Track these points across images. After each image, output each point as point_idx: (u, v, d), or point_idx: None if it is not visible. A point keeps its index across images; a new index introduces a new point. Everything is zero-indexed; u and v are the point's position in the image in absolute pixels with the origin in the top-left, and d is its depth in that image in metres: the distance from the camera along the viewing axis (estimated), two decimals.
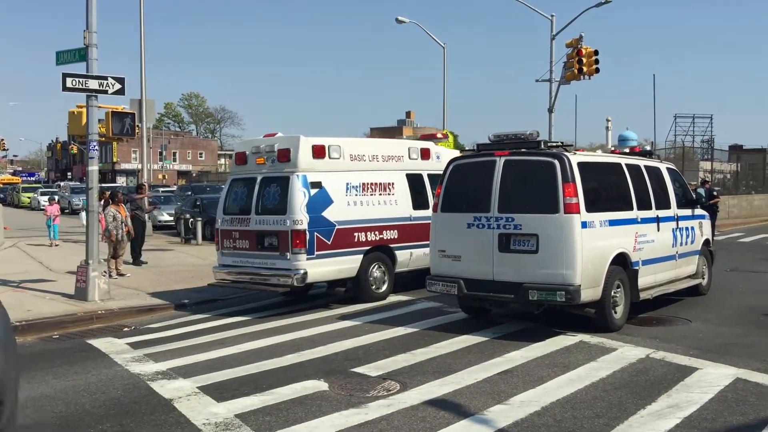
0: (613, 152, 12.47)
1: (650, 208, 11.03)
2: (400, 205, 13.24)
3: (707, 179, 27.01)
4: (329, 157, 12.26)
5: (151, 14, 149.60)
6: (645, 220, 10.78)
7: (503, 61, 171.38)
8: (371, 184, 12.82)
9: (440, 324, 10.43)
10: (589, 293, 9.24)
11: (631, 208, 10.48)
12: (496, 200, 9.73)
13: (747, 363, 7.90)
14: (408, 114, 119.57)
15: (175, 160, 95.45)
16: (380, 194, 12.97)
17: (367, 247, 12.51)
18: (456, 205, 10.24)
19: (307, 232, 11.59)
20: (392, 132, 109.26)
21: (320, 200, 11.88)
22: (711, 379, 7.27)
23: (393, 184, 13.20)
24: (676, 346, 8.78)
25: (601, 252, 9.47)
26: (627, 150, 12.75)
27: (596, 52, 24.47)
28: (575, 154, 9.82)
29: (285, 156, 11.95)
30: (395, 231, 13.04)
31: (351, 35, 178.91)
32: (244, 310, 12.39)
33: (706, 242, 13.24)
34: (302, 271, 11.54)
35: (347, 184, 12.39)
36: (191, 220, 23.86)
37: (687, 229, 12.30)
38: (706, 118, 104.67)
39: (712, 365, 7.78)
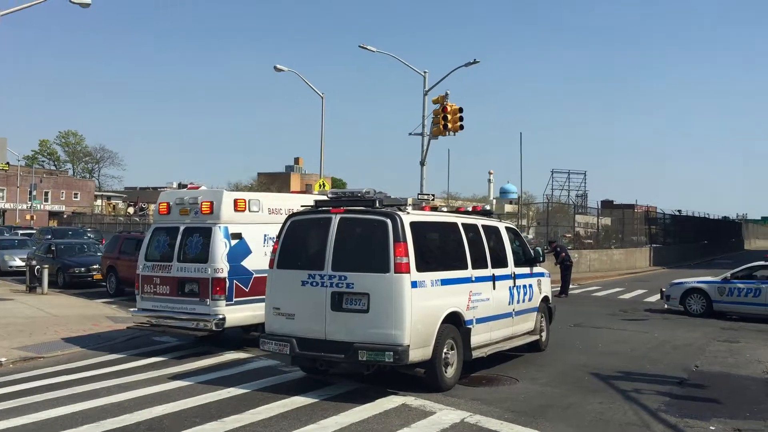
0: (458, 210, 12.66)
1: (486, 267, 11.19)
2: None
3: (554, 240, 28.08)
4: (249, 210, 13.08)
5: (35, 49, 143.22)
6: (480, 279, 10.90)
7: (386, 111, 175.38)
8: None
9: (272, 385, 10.03)
10: (419, 353, 9.20)
11: (466, 267, 10.59)
12: (330, 258, 9.60)
13: (555, 427, 7.98)
14: (296, 160, 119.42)
15: (47, 200, 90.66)
16: None
17: None
18: (292, 261, 10.05)
19: (227, 280, 12.36)
20: (280, 178, 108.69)
21: (240, 250, 12.68)
22: None
23: None
24: (495, 408, 8.78)
25: (432, 311, 9.48)
26: (470, 209, 13.06)
27: (461, 110, 25.22)
28: (408, 213, 9.82)
29: (208, 208, 12.74)
30: None
31: (240, 77, 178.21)
32: (68, 369, 11.50)
33: (545, 299, 13.58)
34: (221, 316, 12.24)
35: (265, 235, 13.08)
36: (37, 267, 22.34)
37: (525, 286, 12.56)
38: (580, 174, 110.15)
39: (520, 430, 7.79)
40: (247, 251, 12.78)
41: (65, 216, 78.94)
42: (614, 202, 73.60)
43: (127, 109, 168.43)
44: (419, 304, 9.20)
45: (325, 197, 10.77)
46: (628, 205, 53.87)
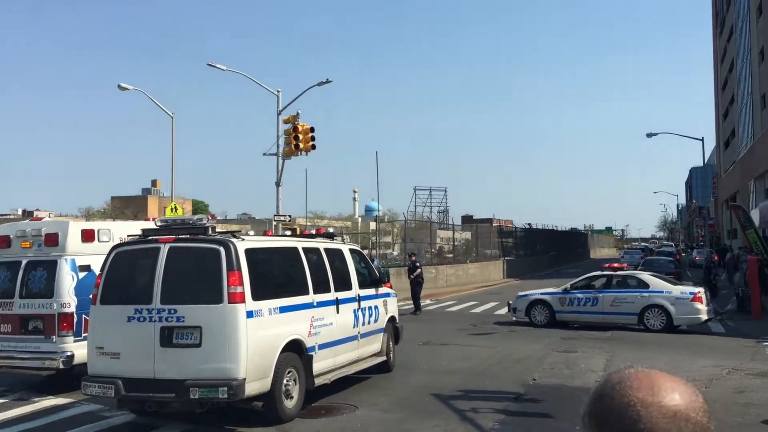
0: (301, 234, 12.42)
1: (329, 291, 10.93)
2: None
3: (414, 253, 28.57)
4: (99, 241, 12.26)
5: None
6: (322, 303, 10.64)
7: (246, 132, 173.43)
8: None
9: None
10: (256, 386, 8.76)
11: (307, 292, 10.29)
12: (159, 290, 8.97)
13: None
14: (153, 182, 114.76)
15: None
16: None
17: None
18: (116, 296, 9.31)
19: (74, 315, 11.59)
20: (136, 201, 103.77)
21: (89, 283, 11.38)
22: None
23: None
24: None
25: (270, 341, 9.08)
26: (313, 232, 12.82)
27: (312, 129, 24.98)
28: (243, 240, 9.39)
29: (53, 240, 11.94)
30: None
31: (87, 97, 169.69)
32: None
33: (392, 319, 13.49)
34: (69, 353, 11.44)
35: None
36: None
37: (371, 308, 12.42)
38: (441, 191, 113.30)
39: None
40: None
41: None
42: (474, 217, 76.20)
43: None
44: (256, 335, 8.77)
45: (153, 225, 10.12)
46: (486, 219, 55.91)
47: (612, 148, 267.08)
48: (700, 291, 19.23)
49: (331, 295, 10.98)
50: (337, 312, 11.04)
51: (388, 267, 32.37)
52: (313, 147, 24.80)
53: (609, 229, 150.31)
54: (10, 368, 11.92)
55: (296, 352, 9.66)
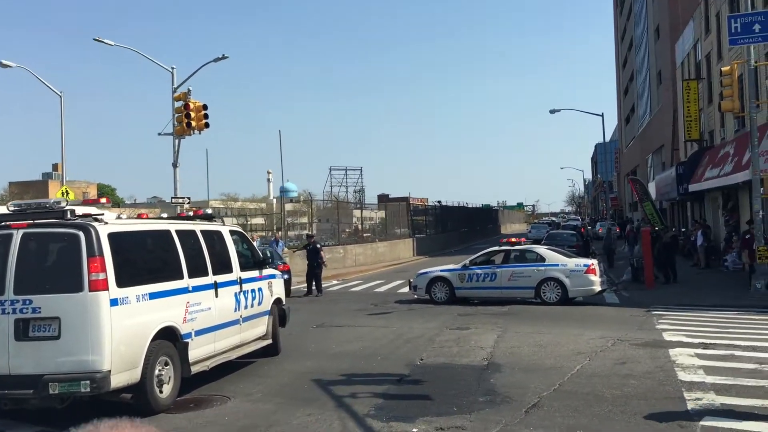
0: (180, 216, 11.72)
1: (206, 275, 10.41)
2: None
3: (312, 234, 28.05)
4: None
5: None
6: (199, 288, 10.12)
7: (147, 110, 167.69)
8: None
9: None
10: (124, 377, 8.28)
11: (182, 277, 9.74)
12: (12, 280, 8.23)
13: None
14: (54, 167, 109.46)
15: None
16: None
17: None
18: None
19: None
20: (36, 186, 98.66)
21: None
22: None
23: None
24: None
25: (139, 329, 8.57)
26: (191, 214, 12.15)
27: (205, 107, 23.85)
28: (106, 224, 8.67)
29: None
30: None
31: None
32: None
33: (278, 301, 13.07)
34: None
35: None
36: None
37: (254, 291, 11.97)
38: (356, 170, 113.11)
39: None
40: None
41: None
42: (390, 196, 76.12)
43: None
44: (122, 323, 8.25)
45: (6, 210, 9.14)
46: (402, 198, 55.72)
47: (524, 126, 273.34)
48: (593, 263, 19.45)
49: (209, 279, 10.45)
50: (216, 296, 10.54)
51: (297, 249, 31.62)
52: (206, 125, 23.70)
53: (520, 205, 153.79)
54: None
55: (170, 339, 9.20)
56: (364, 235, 43.20)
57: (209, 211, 12.50)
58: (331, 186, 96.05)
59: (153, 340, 8.78)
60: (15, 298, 8.18)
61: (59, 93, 34.52)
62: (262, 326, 12.21)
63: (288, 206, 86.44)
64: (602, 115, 47.73)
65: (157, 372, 8.83)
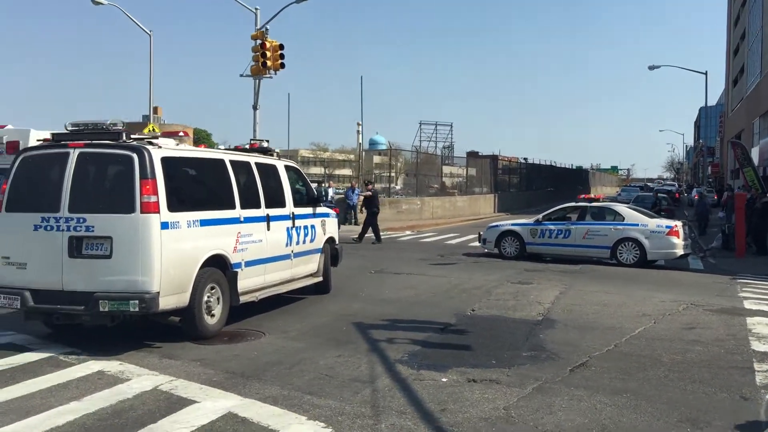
0: (236, 148, 11.56)
1: (258, 207, 10.39)
2: None
3: (370, 181, 27.66)
4: None
5: None
6: (250, 219, 10.08)
7: (227, 53, 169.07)
8: None
9: None
10: (172, 300, 8.35)
11: (234, 207, 9.73)
12: (67, 198, 8.31)
13: (262, 388, 6.80)
14: (155, 109, 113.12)
15: None
16: None
17: None
18: (23, 203, 8.64)
19: None
20: (136, 128, 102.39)
21: None
22: (192, 417, 5.96)
23: None
24: (209, 370, 7.47)
25: (188, 254, 8.60)
26: (247, 146, 11.83)
27: (281, 47, 23.57)
28: (160, 148, 8.61)
29: (14, 148, 11.96)
30: None
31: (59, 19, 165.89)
32: None
33: (330, 240, 12.91)
34: None
35: None
36: None
37: (306, 227, 11.90)
38: (447, 126, 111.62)
39: (215, 397, 6.51)
40: None
41: None
42: (479, 153, 74.61)
43: None
44: (171, 247, 8.28)
45: (65, 130, 9.10)
46: (493, 156, 54.44)
47: (622, 88, 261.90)
48: (676, 224, 18.09)
49: (261, 212, 10.41)
50: (268, 229, 10.50)
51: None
52: (282, 66, 23.45)
53: (614, 169, 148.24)
54: None
55: (220, 267, 9.20)
56: (451, 191, 42.41)
57: (265, 144, 12.20)
58: (420, 140, 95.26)
59: (202, 266, 8.80)
60: (69, 216, 8.25)
61: (149, 32, 35.07)
62: (313, 263, 12.16)
63: (376, 158, 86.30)
64: (706, 74, 44.86)
65: (206, 298, 8.89)
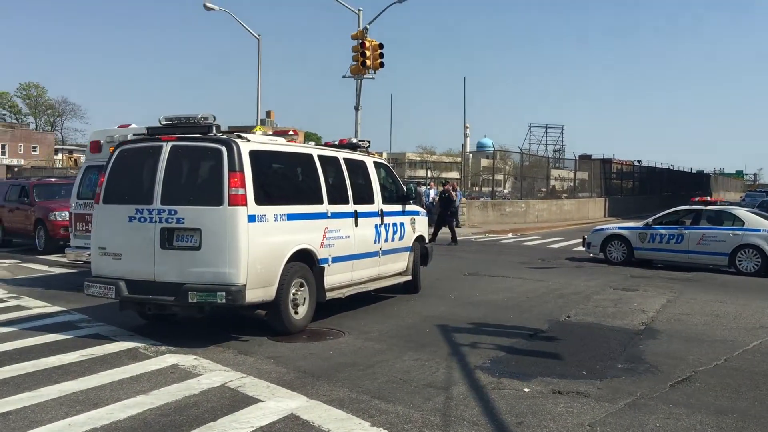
0: (325, 144, 11.60)
1: (347, 203, 10.37)
2: None
3: (448, 181, 27.26)
4: None
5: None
6: (338, 215, 10.05)
7: (330, 55, 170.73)
8: None
9: (44, 343, 8.44)
10: (259, 293, 8.35)
11: (321, 202, 9.73)
12: (160, 190, 8.48)
13: (331, 390, 6.51)
14: (268, 114, 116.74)
15: (4, 154, 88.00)
16: None
17: None
18: (119, 195, 8.91)
19: None
20: (249, 131, 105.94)
21: None
22: (253, 417, 5.75)
23: None
24: (282, 369, 7.28)
25: (275, 248, 8.61)
26: (336, 142, 11.80)
27: (381, 46, 23.44)
28: (248, 141, 8.69)
29: (96, 147, 13.05)
30: None
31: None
32: None
33: (420, 239, 12.71)
34: None
35: None
36: None
37: (395, 225, 11.77)
38: (557, 128, 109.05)
39: (281, 397, 6.30)
40: None
41: (16, 169, 76.34)
42: (592, 157, 72.23)
43: (90, 61, 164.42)
44: (258, 240, 8.30)
45: (158, 124, 9.31)
46: (605, 160, 52.24)
47: (749, 81, 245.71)
48: None
49: (349, 207, 10.38)
50: (356, 225, 10.45)
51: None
52: (382, 65, 23.29)
53: (739, 173, 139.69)
54: None
55: (307, 262, 9.20)
56: (561, 194, 41.09)
57: (354, 140, 12.13)
58: (529, 143, 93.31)
59: (289, 261, 8.78)
60: (162, 208, 8.40)
61: (257, 36, 35.96)
62: (402, 262, 12.01)
63: (483, 162, 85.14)
64: None
65: (292, 293, 8.87)
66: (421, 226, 12.79)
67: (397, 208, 11.90)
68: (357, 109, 28.99)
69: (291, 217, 8.96)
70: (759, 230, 16.57)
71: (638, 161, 53.66)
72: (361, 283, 10.64)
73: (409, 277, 12.12)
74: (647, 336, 9.16)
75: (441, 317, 10.15)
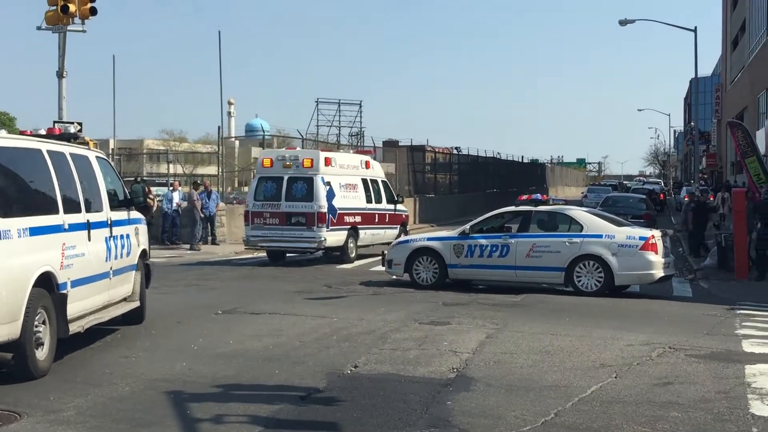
0: (47, 135, 11.49)
1: (79, 211, 10.91)
2: (360, 200, 26.08)
3: (203, 180, 28.64)
4: (332, 165, 24.60)
5: None
6: (74, 227, 10.59)
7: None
8: (348, 184, 25.40)
9: None
10: (4, 331, 8.76)
11: (57, 211, 10.20)
12: None
13: None
14: None
15: None
16: (352, 191, 25.59)
17: (349, 226, 24.96)
18: None
19: (326, 214, 23.59)
20: None
21: (330, 193, 23.91)
22: None
23: (356, 185, 26.04)
24: None
25: (20, 272, 9.06)
26: (43, 132, 11.78)
27: None
28: None
29: (310, 163, 23.95)
30: (360, 217, 25.71)
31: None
32: None
33: (143, 254, 13.62)
34: (323, 239, 23.69)
35: (339, 183, 24.65)
36: None
37: (122, 237, 12.47)
38: (354, 105, 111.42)
39: None
40: (333, 194, 24.01)
41: None
42: (399, 143, 74.61)
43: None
44: (3, 264, 8.73)
45: None
46: (416, 146, 53.91)
47: (588, 62, 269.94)
48: (653, 235, 17.96)
49: (82, 217, 10.92)
50: (89, 239, 11.05)
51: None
52: (93, 11, 22.54)
53: (581, 162, 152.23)
54: (280, 248, 24.66)
55: (46, 288, 9.67)
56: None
57: (72, 129, 12.43)
58: (317, 125, 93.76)
59: (33, 287, 9.21)
60: None
61: None
62: (129, 284, 12.79)
63: (255, 150, 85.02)
64: (695, 31, 45.99)
65: (35, 327, 9.33)
66: (144, 237, 13.71)
67: (123, 215, 12.62)
68: (60, 75, 27.73)
69: (33, 231, 9.36)
70: (601, 236, 17.81)
71: (456, 148, 56.34)
72: (97, 311, 11.31)
73: (137, 303, 12.91)
74: (458, 387, 9.40)
75: (175, 379, 9.73)
